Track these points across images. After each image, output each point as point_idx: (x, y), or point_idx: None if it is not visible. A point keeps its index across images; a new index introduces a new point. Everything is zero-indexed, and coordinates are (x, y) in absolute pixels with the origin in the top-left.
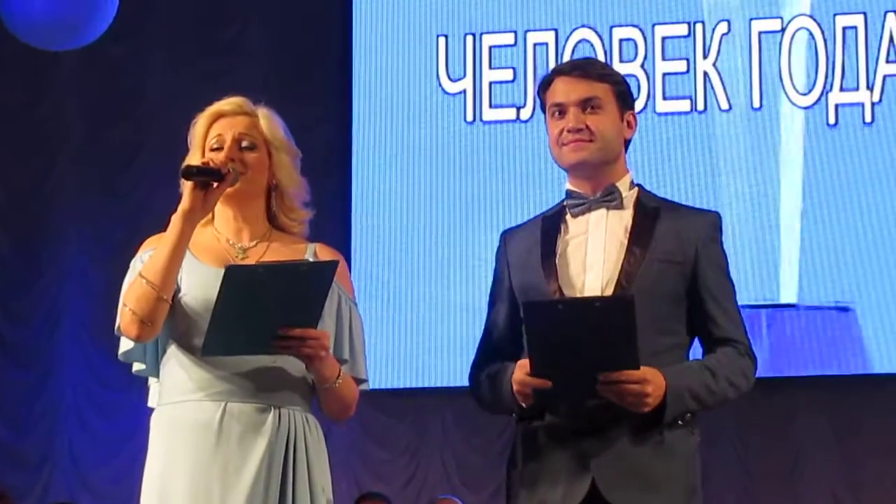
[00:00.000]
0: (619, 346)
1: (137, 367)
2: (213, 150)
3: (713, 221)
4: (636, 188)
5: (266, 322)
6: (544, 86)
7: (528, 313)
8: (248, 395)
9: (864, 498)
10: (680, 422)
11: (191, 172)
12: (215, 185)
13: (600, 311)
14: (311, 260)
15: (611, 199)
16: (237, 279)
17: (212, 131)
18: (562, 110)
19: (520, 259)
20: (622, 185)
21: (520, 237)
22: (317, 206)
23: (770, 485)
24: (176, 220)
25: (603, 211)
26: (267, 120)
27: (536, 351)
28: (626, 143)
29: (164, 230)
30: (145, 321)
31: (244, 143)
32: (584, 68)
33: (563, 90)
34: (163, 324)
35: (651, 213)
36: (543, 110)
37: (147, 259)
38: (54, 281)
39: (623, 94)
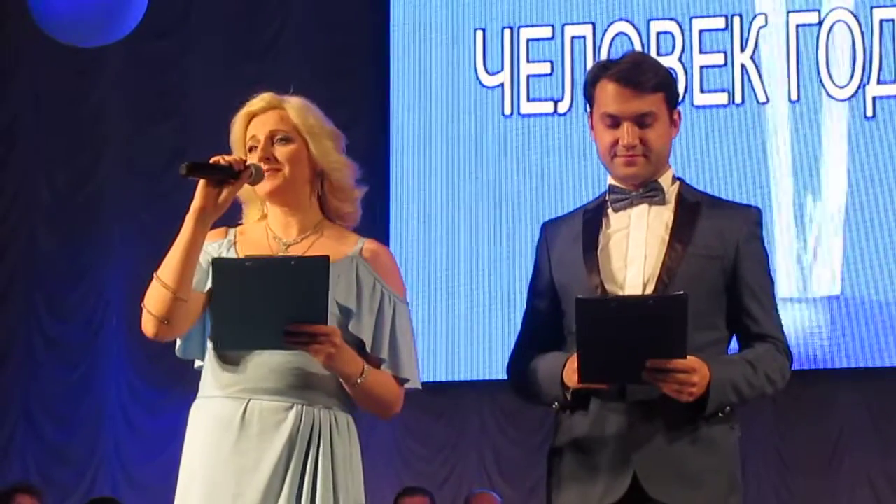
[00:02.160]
0: (669, 340)
1: (198, 363)
2: (250, 150)
3: (754, 217)
4: (678, 182)
5: (273, 317)
6: (592, 82)
7: (580, 310)
8: (272, 393)
9: None
10: (720, 414)
11: (191, 170)
12: (232, 182)
13: (654, 309)
14: (301, 256)
15: (653, 194)
16: (225, 272)
17: (248, 132)
18: (615, 122)
19: (561, 252)
20: (664, 180)
21: (561, 230)
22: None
23: (808, 475)
24: (188, 219)
25: (645, 206)
26: (296, 110)
27: (585, 345)
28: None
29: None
30: (162, 321)
31: (277, 138)
32: (638, 80)
33: (616, 102)
34: (199, 319)
35: (692, 208)
36: (587, 99)
37: (163, 265)
38: (99, 279)
39: (672, 96)
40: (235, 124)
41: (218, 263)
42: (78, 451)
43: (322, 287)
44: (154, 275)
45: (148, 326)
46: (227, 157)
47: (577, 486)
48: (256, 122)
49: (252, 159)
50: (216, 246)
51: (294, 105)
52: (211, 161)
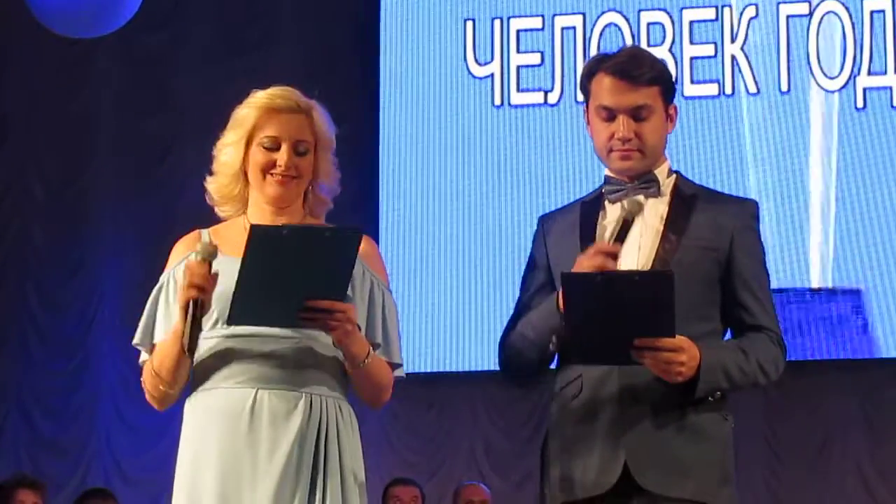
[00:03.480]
0: (656, 318)
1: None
2: (266, 149)
3: (750, 210)
4: (674, 175)
5: (292, 292)
6: (589, 75)
7: (567, 284)
8: (279, 381)
9: (892, 479)
10: (711, 398)
11: (192, 347)
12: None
13: (640, 285)
14: (336, 227)
15: (648, 186)
16: (262, 239)
17: (266, 127)
18: (610, 115)
19: (558, 243)
20: (660, 172)
21: (558, 222)
22: (345, 192)
23: (798, 465)
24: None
25: (640, 198)
26: (320, 118)
27: (573, 324)
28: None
29: (197, 225)
30: (165, 400)
31: (300, 150)
32: (634, 74)
33: (613, 96)
34: None
35: (688, 200)
36: (584, 93)
37: (157, 355)
38: (91, 273)
39: (668, 90)
40: (248, 111)
41: (257, 229)
42: (70, 444)
43: (349, 262)
44: (151, 366)
45: (155, 404)
46: (189, 295)
47: (568, 473)
48: (280, 122)
49: (259, 156)
50: (193, 256)
51: (319, 114)
52: (188, 320)
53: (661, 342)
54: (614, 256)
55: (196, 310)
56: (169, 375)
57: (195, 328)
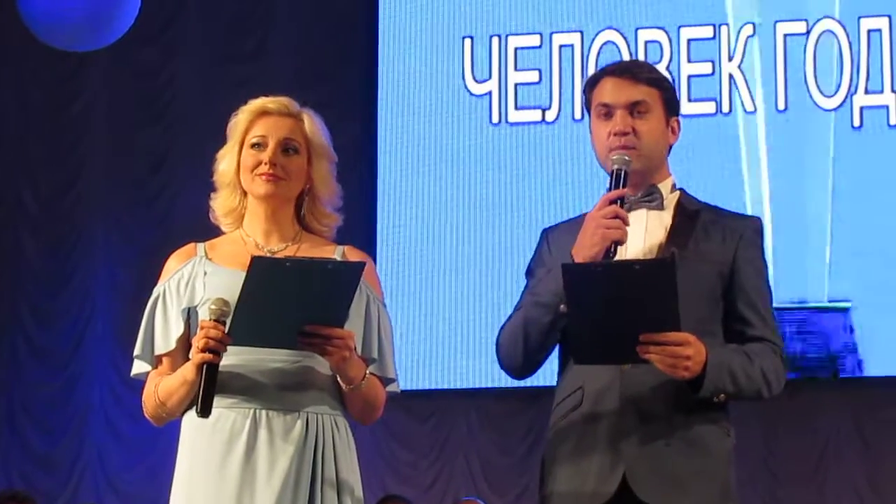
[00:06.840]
0: (660, 309)
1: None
2: (253, 146)
3: (754, 226)
4: (678, 191)
5: (292, 318)
6: (591, 84)
7: (566, 276)
8: (276, 401)
9: (889, 498)
10: (715, 399)
11: (206, 407)
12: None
13: (641, 274)
14: (338, 259)
15: (651, 199)
16: (263, 270)
17: (255, 128)
18: (609, 112)
19: (564, 254)
20: (664, 187)
21: (564, 234)
22: (342, 207)
23: (795, 484)
24: (193, 367)
25: (643, 211)
26: (311, 123)
27: (574, 315)
28: (669, 148)
29: (191, 239)
30: (161, 422)
31: (287, 147)
32: (633, 71)
33: (611, 91)
34: (189, 330)
35: (691, 215)
36: (588, 109)
37: (163, 387)
38: (83, 285)
39: (670, 99)
40: (241, 116)
41: (259, 261)
42: (61, 457)
43: (349, 293)
44: (155, 393)
45: (153, 422)
46: (205, 359)
47: (568, 485)
48: (268, 123)
49: (248, 158)
50: (189, 267)
51: (310, 119)
52: (203, 382)
53: (666, 336)
54: (621, 201)
55: (211, 372)
56: (174, 410)
57: (210, 389)
